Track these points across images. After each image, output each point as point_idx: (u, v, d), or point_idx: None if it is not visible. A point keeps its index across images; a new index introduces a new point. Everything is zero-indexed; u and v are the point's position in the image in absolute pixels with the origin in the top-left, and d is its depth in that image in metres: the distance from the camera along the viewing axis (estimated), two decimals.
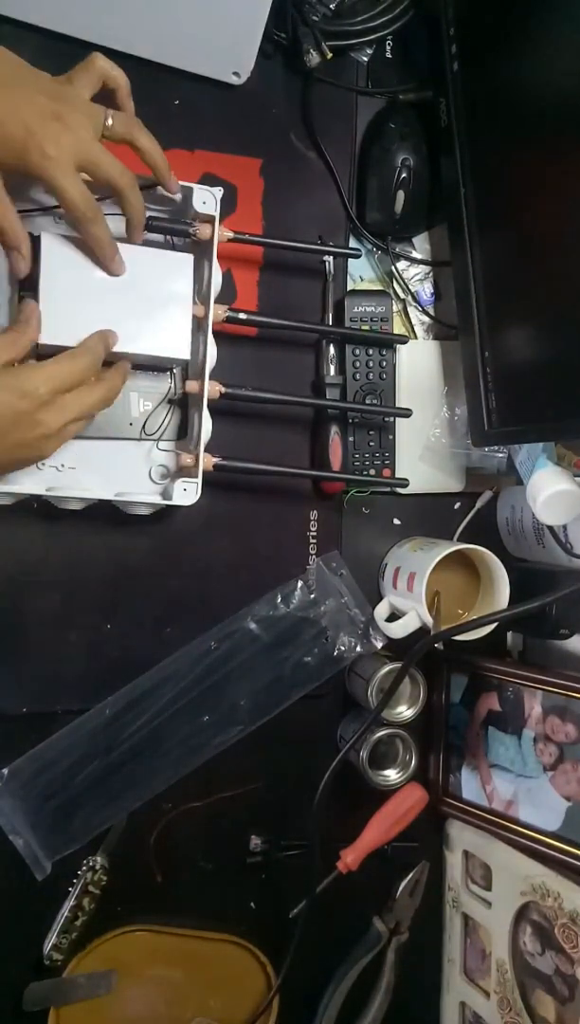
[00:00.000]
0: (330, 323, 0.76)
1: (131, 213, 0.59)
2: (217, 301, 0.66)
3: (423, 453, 0.79)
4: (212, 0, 0.64)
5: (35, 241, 0.64)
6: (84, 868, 0.71)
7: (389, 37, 0.76)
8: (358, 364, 0.75)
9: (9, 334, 0.56)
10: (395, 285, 0.79)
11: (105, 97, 0.58)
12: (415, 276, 0.80)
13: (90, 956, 0.71)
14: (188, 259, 0.64)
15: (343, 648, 0.75)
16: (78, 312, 0.59)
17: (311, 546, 0.76)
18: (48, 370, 0.55)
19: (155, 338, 0.63)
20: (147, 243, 0.66)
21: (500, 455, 0.79)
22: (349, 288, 0.78)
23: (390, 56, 0.77)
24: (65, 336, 0.58)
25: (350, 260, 0.77)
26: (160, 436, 0.68)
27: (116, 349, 0.60)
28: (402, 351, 0.77)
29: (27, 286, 0.60)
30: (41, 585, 0.69)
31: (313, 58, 0.70)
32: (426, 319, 0.80)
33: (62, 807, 0.69)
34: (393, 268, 0.79)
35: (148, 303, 0.62)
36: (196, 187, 0.63)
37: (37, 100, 0.52)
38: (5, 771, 0.68)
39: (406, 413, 0.74)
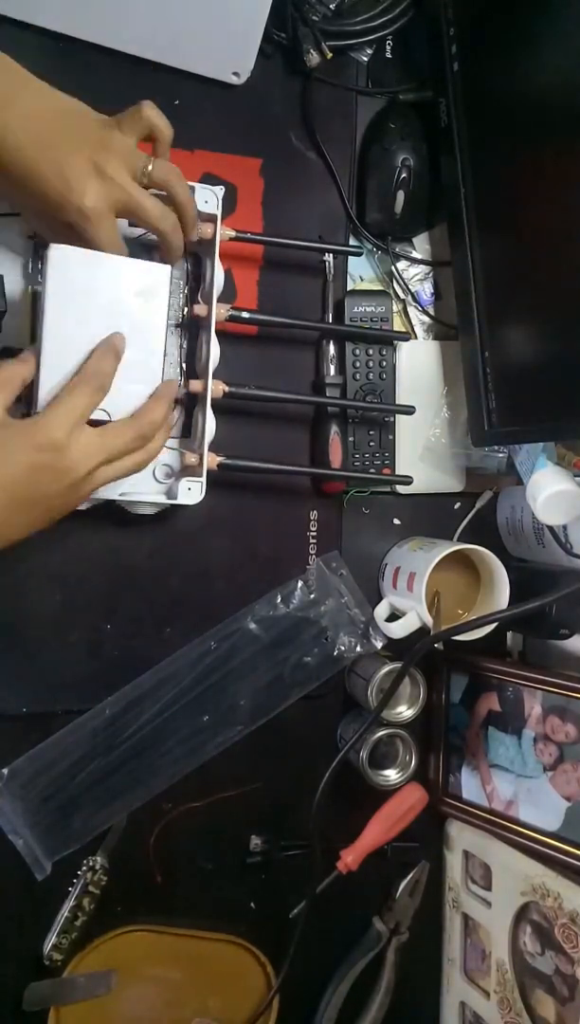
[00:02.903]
0: (330, 323, 0.76)
1: (172, 253, 0.60)
2: (218, 300, 0.66)
3: (423, 453, 0.79)
4: (212, 0, 0.64)
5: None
6: (84, 868, 0.71)
7: (389, 37, 0.76)
8: (358, 364, 0.75)
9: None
10: (395, 285, 0.79)
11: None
12: (415, 276, 0.80)
13: (90, 956, 0.71)
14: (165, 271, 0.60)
15: (343, 648, 0.75)
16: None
17: (311, 546, 0.76)
18: (58, 410, 0.51)
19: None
20: (147, 244, 0.66)
21: (500, 455, 0.79)
22: (349, 288, 0.78)
23: (390, 56, 0.77)
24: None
25: (350, 260, 0.77)
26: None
27: None
28: (402, 351, 0.77)
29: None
30: (41, 585, 0.69)
31: (313, 58, 0.70)
32: (426, 319, 0.80)
33: (62, 807, 0.69)
34: (393, 268, 0.79)
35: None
36: (198, 186, 0.63)
37: (80, 154, 0.52)
38: (5, 771, 0.68)
39: (409, 410, 0.74)
